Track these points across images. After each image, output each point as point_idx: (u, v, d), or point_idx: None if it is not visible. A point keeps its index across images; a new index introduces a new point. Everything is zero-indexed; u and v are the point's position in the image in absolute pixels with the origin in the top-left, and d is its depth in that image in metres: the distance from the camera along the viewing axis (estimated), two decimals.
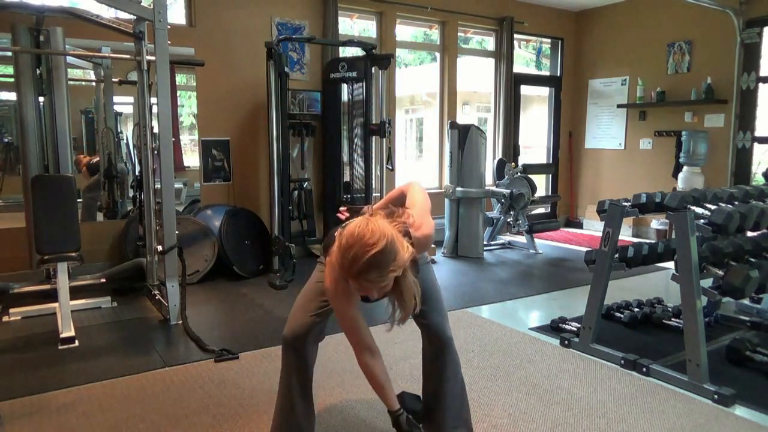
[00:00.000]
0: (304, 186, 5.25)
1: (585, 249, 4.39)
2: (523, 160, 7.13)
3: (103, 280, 4.17)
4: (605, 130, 7.21)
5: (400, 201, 1.89)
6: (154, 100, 3.70)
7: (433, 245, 5.71)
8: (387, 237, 1.53)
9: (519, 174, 5.92)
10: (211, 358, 3.01)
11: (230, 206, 5.16)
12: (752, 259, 2.96)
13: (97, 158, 4.89)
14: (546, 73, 7.78)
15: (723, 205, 2.93)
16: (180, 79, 5.17)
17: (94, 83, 5.03)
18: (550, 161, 7.59)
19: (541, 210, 7.39)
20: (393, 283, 1.63)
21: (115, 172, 4.94)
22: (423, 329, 2.01)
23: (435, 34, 6.77)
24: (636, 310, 3.68)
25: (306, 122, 5.51)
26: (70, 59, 4.43)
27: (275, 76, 4.62)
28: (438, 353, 2.00)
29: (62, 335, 3.21)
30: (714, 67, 5.99)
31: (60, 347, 3.16)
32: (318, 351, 2.07)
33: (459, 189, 5.62)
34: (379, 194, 5.33)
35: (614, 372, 2.87)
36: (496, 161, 6.33)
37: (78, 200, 4.02)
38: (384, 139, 5.24)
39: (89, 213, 4.86)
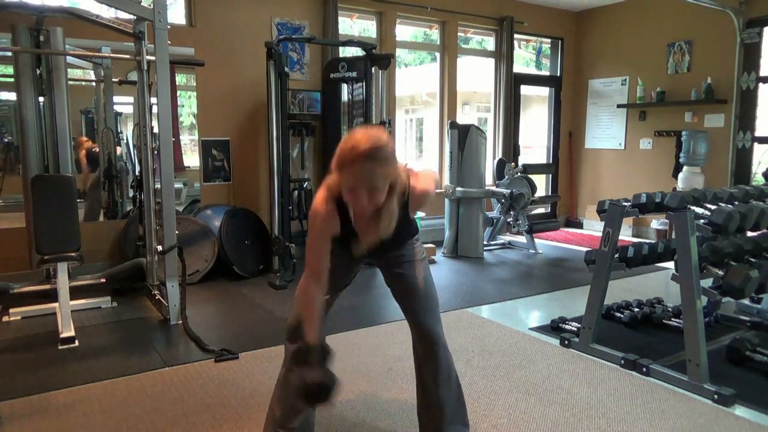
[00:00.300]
0: (304, 186, 5.25)
1: (585, 249, 4.39)
2: (523, 160, 7.13)
3: (103, 280, 4.17)
4: (605, 130, 7.21)
5: None
6: (154, 100, 3.70)
7: (432, 245, 5.71)
8: (388, 142, 1.64)
9: (519, 174, 5.92)
10: (211, 358, 3.01)
11: (230, 206, 5.16)
12: (752, 259, 2.96)
13: (97, 148, 4.88)
14: (546, 73, 7.77)
15: (723, 205, 2.93)
16: (180, 79, 5.18)
17: (94, 83, 5.03)
18: (550, 161, 7.59)
19: (541, 210, 7.39)
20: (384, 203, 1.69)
21: (115, 172, 4.94)
22: (413, 328, 2.00)
23: (435, 34, 6.77)
24: (636, 310, 3.68)
25: (306, 122, 5.51)
26: (70, 59, 4.43)
27: (275, 76, 4.62)
28: (429, 353, 1.98)
29: (62, 335, 3.21)
30: (714, 67, 5.99)
31: (60, 347, 3.16)
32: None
33: (459, 189, 5.61)
34: None
35: (614, 372, 2.87)
36: (496, 161, 6.33)
37: (79, 200, 4.02)
38: None
39: (92, 213, 4.85)
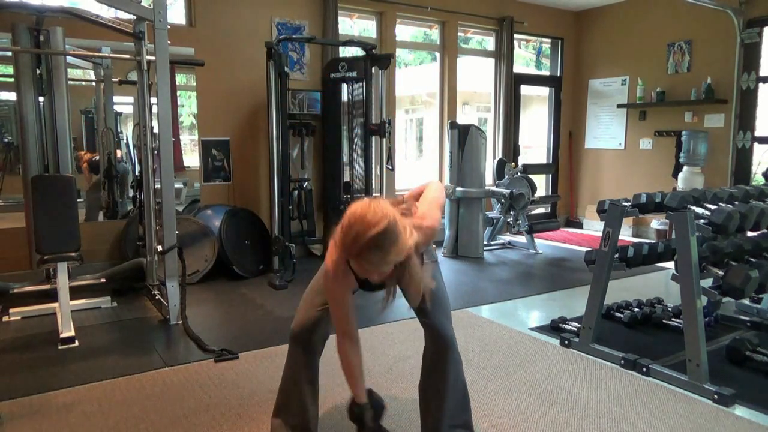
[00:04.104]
0: (304, 186, 5.25)
1: (585, 249, 4.39)
2: (523, 160, 7.13)
3: (103, 280, 4.17)
4: (605, 130, 7.21)
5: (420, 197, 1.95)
6: (154, 100, 3.70)
7: (433, 245, 5.71)
8: (389, 218, 1.54)
9: (519, 174, 5.92)
10: (211, 358, 3.01)
11: (230, 206, 5.16)
12: (752, 259, 2.96)
13: (98, 156, 4.89)
14: (546, 73, 7.77)
15: (723, 205, 2.93)
16: (180, 79, 5.17)
17: (94, 83, 5.03)
18: (550, 161, 7.59)
19: (541, 210, 7.39)
20: (396, 269, 1.64)
21: (115, 172, 4.94)
22: (426, 329, 2.00)
23: (435, 34, 6.77)
24: (636, 310, 3.68)
25: (306, 122, 5.50)
26: (70, 59, 4.42)
27: (275, 76, 4.62)
28: (440, 354, 1.97)
29: (62, 335, 3.21)
30: (714, 67, 5.99)
31: (60, 347, 3.16)
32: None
33: (459, 189, 5.61)
34: (379, 194, 5.33)
35: (614, 372, 2.87)
36: (496, 161, 6.33)
37: (80, 200, 4.02)
38: (384, 139, 5.23)
39: (92, 213, 4.85)
